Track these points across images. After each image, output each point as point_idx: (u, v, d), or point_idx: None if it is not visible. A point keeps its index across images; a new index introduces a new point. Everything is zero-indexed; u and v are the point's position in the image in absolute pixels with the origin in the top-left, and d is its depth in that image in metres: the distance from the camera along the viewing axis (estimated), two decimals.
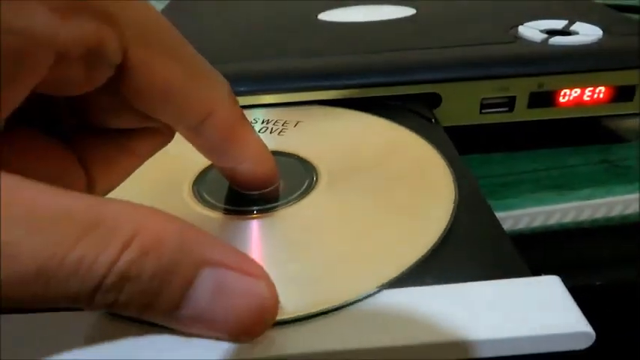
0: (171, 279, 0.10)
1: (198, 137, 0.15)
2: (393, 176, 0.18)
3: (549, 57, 0.23)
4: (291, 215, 0.16)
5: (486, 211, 0.16)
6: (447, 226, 0.15)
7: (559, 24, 0.27)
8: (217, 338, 0.11)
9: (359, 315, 0.12)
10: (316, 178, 0.18)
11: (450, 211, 0.16)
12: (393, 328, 0.12)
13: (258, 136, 0.16)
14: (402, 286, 0.13)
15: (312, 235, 0.16)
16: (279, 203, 0.17)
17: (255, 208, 0.17)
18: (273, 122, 0.22)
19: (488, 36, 0.26)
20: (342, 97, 0.23)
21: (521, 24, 0.27)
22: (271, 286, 0.11)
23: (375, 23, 0.29)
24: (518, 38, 0.25)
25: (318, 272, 0.14)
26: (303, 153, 0.20)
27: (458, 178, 0.17)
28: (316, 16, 0.31)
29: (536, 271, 0.22)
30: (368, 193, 0.17)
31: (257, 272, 0.11)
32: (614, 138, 0.27)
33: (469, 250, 0.14)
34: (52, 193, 0.10)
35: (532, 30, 0.26)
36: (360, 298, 0.13)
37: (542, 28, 0.26)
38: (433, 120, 0.21)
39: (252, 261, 0.11)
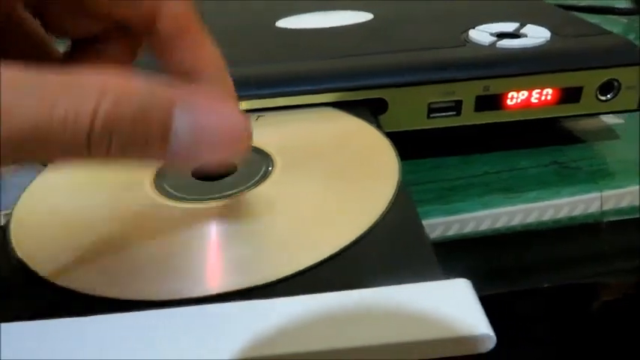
0: (149, 122, 0.12)
1: (153, 37, 0.15)
2: (342, 164, 0.19)
3: (495, 60, 0.23)
4: (248, 200, 0.17)
5: (412, 211, 0.16)
6: (376, 220, 0.15)
7: (511, 27, 0.27)
8: (202, 164, 0.13)
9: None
10: (272, 167, 0.19)
11: (384, 207, 0.16)
12: (289, 336, 0.12)
13: (216, 48, 0.16)
14: (305, 286, 0.13)
15: (262, 219, 0.17)
16: (235, 190, 0.18)
17: (215, 195, 0.18)
18: None
19: (440, 40, 0.26)
20: (287, 104, 0.23)
21: (474, 28, 0.27)
22: (238, 111, 0.13)
23: (330, 29, 0.29)
24: (468, 42, 0.25)
25: (258, 255, 0.15)
26: (261, 144, 0.20)
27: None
28: (274, 22, 0.31)
29: (475, 275, 0.22)
30: (316, 180, 0.18)
31: (225, 102, 0.13)
32: (568, 139, 0.27)
33: (384, 250, 0.14)
34: (28, 68, 0.11)
35: (482, 33, 0.26)
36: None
37: (494, 32, 0.26)
38: (375, 126, 0.21)
39: (218, 91, 0.13)
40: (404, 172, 0.24)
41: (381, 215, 0.16)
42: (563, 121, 0.28)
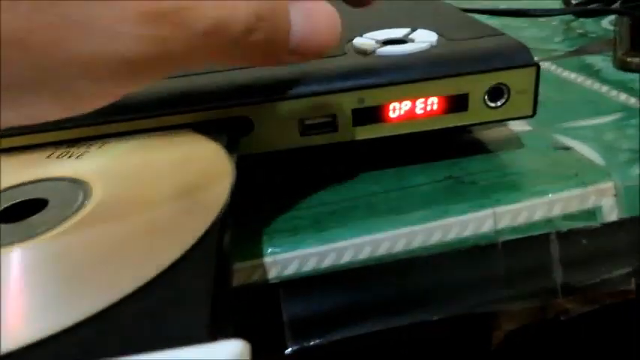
0: (278, 15, 0.15)
1: None
2: (163, 196, 0.16)
3: (369, 69, 0.21)
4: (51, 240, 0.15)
5: (210, 260, 0.14)
6: (160, 271, 0.13)
7: (401, 32, 0.25)
8: (316, 54, 0.16)
9: None
10: (87, 201, 0.16)
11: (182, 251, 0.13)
12: None
13: None
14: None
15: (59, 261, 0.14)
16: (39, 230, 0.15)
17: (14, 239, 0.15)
18: (77, 145, 0.20)
19: None
20: (146, 127, 0.21)
21: (361, 35, 0.25)
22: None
23: None
24: (349, 51, 0.23)
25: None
26: (84, 174, 0.18)
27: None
28: None
29: (351, 311, 0.20)
30: (124, 218, 0.16)
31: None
32: (470, 150, 0.25)
33: (156, 306, 0.12)
34: None
35: (368, 41, 0.24)
36: None
37: (381, 39, 0.24)
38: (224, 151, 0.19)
39: None
40: (280, 196, 0.22)
41: (170, 264, 0.13)
42: (468, 130, 0.26)
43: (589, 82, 0.31)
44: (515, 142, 0.25)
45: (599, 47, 0.37)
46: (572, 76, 0.32)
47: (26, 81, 0.11)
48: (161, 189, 0.17)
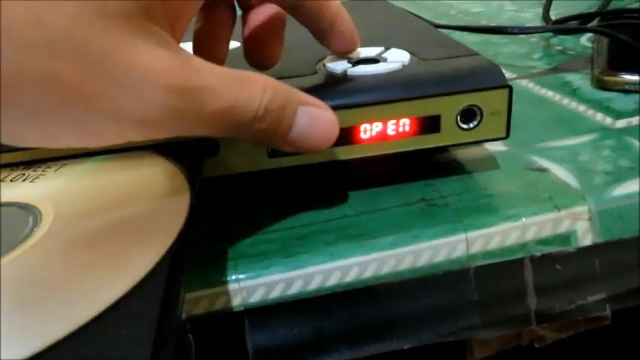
0: (285, 112, 0.17)
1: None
2: (116, 223, 0.16)
3: (339, 90, 0.21)
4: None
5: (155, 297, 0.13)
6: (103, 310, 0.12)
7: (375, 51, 0.24)
8: (309, 150, 0.19)
9: None
10: (37, 227, 0.16)
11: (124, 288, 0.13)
12: None
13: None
14: None
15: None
16: None
17: None
18: (34, 167, 0.19)
19: (290, 70, 0.23)
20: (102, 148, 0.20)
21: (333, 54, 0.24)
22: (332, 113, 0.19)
23: None
24: (319, 71, 0.23)
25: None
26: (38, 200, 0.17)
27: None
28: None
29: (318, 339, 0.19)
30: (75, 245, 0.15)
31: (326, 106, 0.19)
32: (445, 171, 0.24)
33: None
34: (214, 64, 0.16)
35: (340, 60, 0.23)
36: None
37: (354, 58, 0.24)
38: (185, 174, 0.18)
39: (319, 101, 0.19)
40: (246, 219, 0.21)
41: (116, 300, 0.12)
42: (443, 151, 0.26)
43: (566, 101, 0.30)
44: (490, 162, 0.25)
45: (578, 65, 0.37)
46: (550, 94, 0.32)
47: (67, 114, 0.14)
48: (114, 215, 0.16)
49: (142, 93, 0.14)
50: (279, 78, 0.22)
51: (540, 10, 0.47)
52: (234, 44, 0.29)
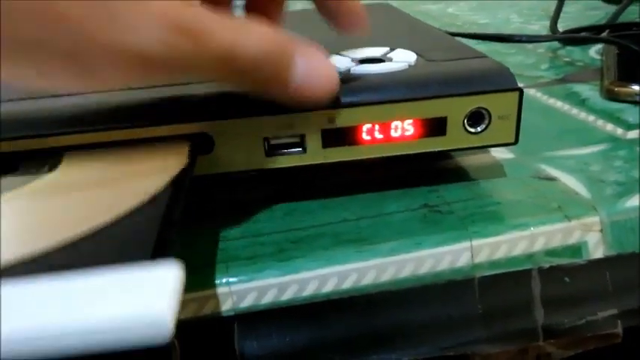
0: (284, 59, 0.17)
1: None
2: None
3: (343, 88, 0.20)
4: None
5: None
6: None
7: (380, 52, 0.23)
8: (310, 100, 0.18)
9: None
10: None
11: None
12: None
13: None
14: None
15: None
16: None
17: None
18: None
19: None
20: (92, 141, 0.19)
21: (338, 53, 0.23)
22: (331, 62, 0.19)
23: None
24: None
25: None
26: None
27: None
28: None
29: (310, 347, 0.18)
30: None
31: (325, 55, 0.18)
32: (450, 177, 0.23)
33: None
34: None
35: (344, 59, 0.23)
36: None
37: (358, 57, 0.23)
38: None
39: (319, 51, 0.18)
40: (239, 219, 0.21)
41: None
42: (448, 156, 0.25)
43: (575, 111, 0.30)
44: (497, 169, 0.24)
45: (586, 76, 0.36)
46: (558, 104, 0.31)
47: (55, 46, 0.13)
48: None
49: (143, 28, 0.14)
50: None
51: (547, 23, 0.46)
52: None
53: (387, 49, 0.24)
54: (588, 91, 0.33)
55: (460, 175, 0.24)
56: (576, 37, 0.36)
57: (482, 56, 0.22)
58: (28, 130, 0.19)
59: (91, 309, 0.10)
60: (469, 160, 0.25)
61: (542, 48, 0.42)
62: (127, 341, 0.10)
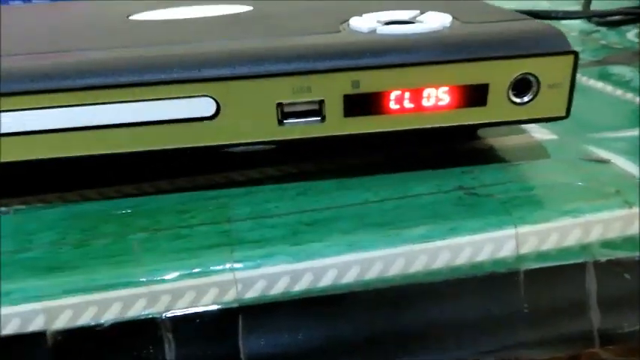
0: None
1: None
2: None
3: (367, 47, 0.17)
4: None
5: None
6: None
7: (408, 14, 0.21)
8: None
9: None
10: None
11: None
12: None
13: None
14: None
15: None
16: None
17: None
18: None
19: (312, 29, 0.20)
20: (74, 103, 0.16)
21: (360, 15, 0.21)
22: None
23: (183, 20, 0.23)
24: (344, 30, 0.19)
25: None
26: None
27: None
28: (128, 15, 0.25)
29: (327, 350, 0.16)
30: None
31: None
32: (483, 158, 0.20)
33: None
34: None
35: (368, 21, 0.20)
36: None
37: (383, 19, 0.20)
38: None
39: None
40: (246, 196, 0.18)
41: None
42: (479, 134, 0.22)
43: (619, 92, 0.27)
44: (538, 150, 0.21)
45: (625, 59, 0.33)
46: (599, 85, 0.28)
47: None
48: None
49: None
50: (297, 35, 0.19)
51: (577, 9, 0.44)
52: (241, 8, 0.26)
53: (416, 11, 0.21)
54: (630, 72, 0.30)
55: (495, 156, 0.21)
56: (615, 19, 0.34)
57: (527, 18, 0.19)
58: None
59: None
60: (504, 141, 0.22)
61: (575, 31, 0.39)
62: None
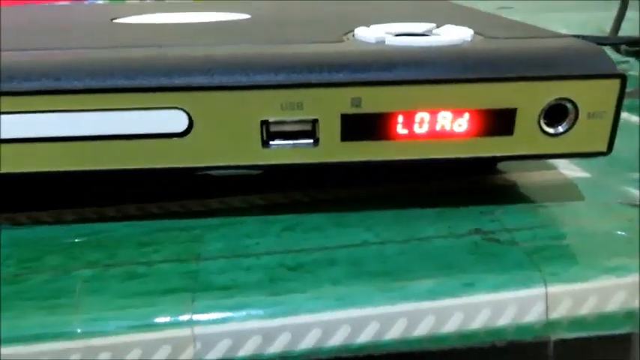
0: None
1: None
2: None
3: (371, 60, 0.14)
4: None
5: None
6: None
7: (423, 27, 0.18)
8: None
9: None
10: None
11: None
12: None
13: None
14: None
15: None
16: None
17: None
18: None
19: (310, 37, 0.17)
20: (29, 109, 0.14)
21: (367, 26, 0.18)
22: None
23: (171, 25, 0.20)
24: (348, 40, 0.17)
25: None
26: None
27: None
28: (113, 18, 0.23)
29: None
30: None
31: None
32: (505, 196, 0.18)
33: None
34: None
35: (375, 31, 0.17)
36: None
37: (393, 31, 0.18)
38: None
39: None
40: (216, 230, 0.15)
41: None
42: (500, 168, 0.19)
43: None
44: (570, 190, 0.18)
45: None
46: (633, 118, 0.25)
47: None
48: None
49: None
50: (291, 44, 0.16)
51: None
52: (237, 16, 0.24)
53: (432, 24, 0.18)
54: None
55: (519, 194, 0.18)
56: None
57: (564, 35, 0.17)
58: None
59: None
60: (529, 177, 0.19)
61: None
62: None
